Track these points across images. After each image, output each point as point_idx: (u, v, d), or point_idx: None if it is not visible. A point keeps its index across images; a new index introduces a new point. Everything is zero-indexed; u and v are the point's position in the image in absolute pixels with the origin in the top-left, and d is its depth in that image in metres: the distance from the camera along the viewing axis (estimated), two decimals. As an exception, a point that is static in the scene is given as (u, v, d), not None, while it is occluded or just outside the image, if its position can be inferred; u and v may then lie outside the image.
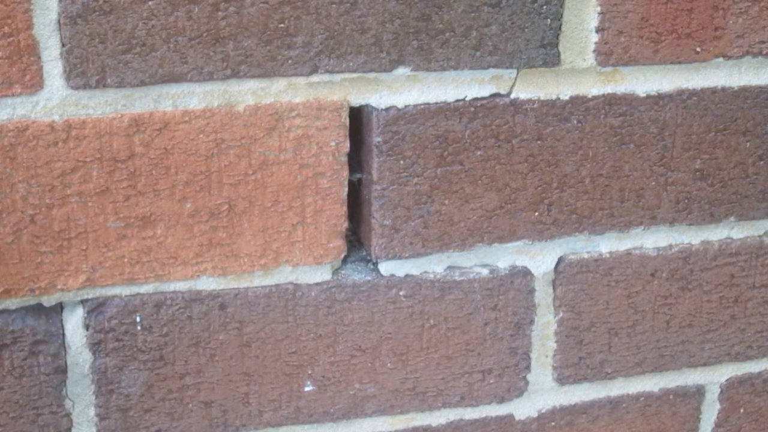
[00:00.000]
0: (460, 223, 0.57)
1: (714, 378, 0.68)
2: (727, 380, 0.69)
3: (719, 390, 0.69)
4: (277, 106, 0.52)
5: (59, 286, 0.52)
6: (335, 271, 0.57)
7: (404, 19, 0.52)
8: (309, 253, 0.55)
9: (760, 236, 0.65)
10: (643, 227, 0.61)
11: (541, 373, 0.63)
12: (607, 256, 0.62)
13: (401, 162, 0.55)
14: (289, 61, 0.51)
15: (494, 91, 0.55)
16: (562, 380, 0.64)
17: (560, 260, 0.61)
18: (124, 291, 0.54)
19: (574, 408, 0.66)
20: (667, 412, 0.68)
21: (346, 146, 0.54)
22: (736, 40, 0.58)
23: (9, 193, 0.50)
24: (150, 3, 0.48)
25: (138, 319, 0.54)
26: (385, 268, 0.58)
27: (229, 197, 0.53)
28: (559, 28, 0.55)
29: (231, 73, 0.51)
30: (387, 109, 0.54)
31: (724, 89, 0.60)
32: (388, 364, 0.60)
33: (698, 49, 0.58)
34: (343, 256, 0.56)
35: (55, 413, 0.55)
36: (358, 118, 0.55)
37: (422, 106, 0.54)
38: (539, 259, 0.61)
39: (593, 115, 0.58)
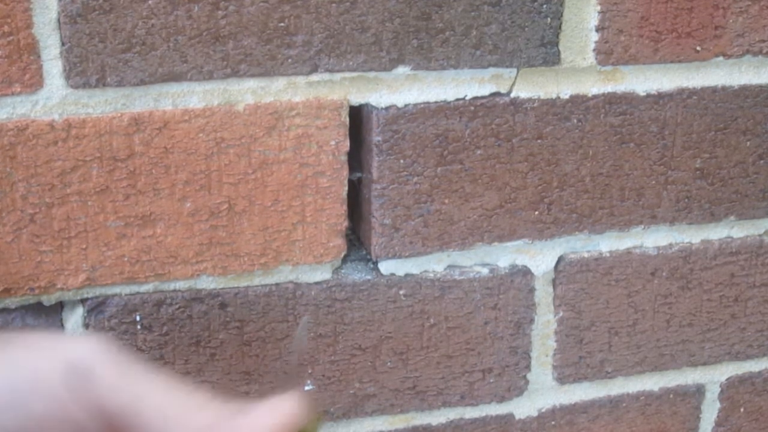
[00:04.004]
0: (460, 222, 0.57)
1: (714, 377, 0.68)
2: (727, 379, 0.69)
3: (719, 389, 0.69)
4: (277, 105, 0.52)
5: (59, 285, 0.52)
6: (335, 271, 0.57)
7: (404, 18, 0.52)
8: (309, 253, 0.55)
9: (760, 235, 0.65)
10: (643, 226, 0.61)
11: (541, 372, 0.63)
12: (607, 255, 0.62)
13: (401, 161, 0.55)
14: (289, 60, 0.51)
15: (494, 90, 0.55)
16: (562, 379, 0.64)
17: (560, 259, 0.61)
18: (124, 290, 0.54)
19: (574, 407, 0.66)
20: (667, 412, 0.68)
21: (346, 145, 0.54)
22: (736, 39, 0.58)
23: (9, 192, 0.50)
24: (150, 2, 0.48)
25: (138, 318, 0.54)
26: (385, 267, 0.58)
27: (228, 196, 0.53)
28: (559, 27, 0.55)
29: (231, 72, 0.51)
30: (387, 108, 0.54)
31: (724, 88, 0.60)
32: (388, 364, 0.60)
33: (698, 48, 0.58)
34: (343, 255, 0.56)
35: (55, 412, 0.55)
36: (357, 117, 0.55)
37: (422, 105, 0.54)
38: (539, 258, 0.61)
39: (593, 114, 0.58)
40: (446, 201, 0.57)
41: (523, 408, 0.64)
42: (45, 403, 0.36)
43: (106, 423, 0.37)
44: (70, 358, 0.37)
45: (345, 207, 0.55)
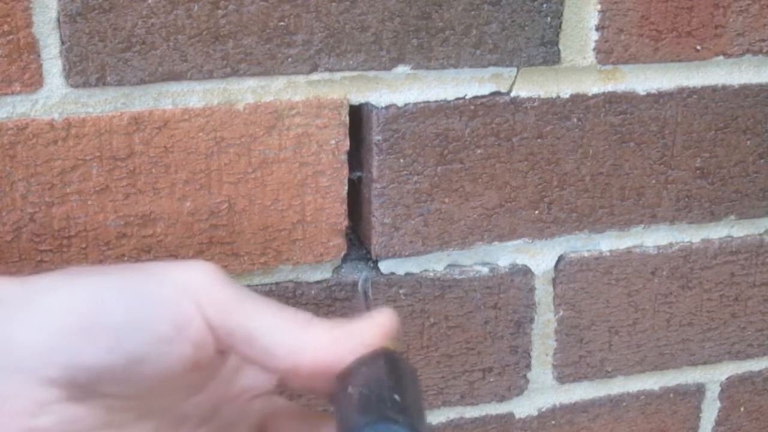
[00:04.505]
0: (460, 221, 0.57)
1: (714, 376, 0.68)
2: (727, 379, 0.69)
3: (719, 388, 0.69)
4: (277, 105, 0.52)
5: (59, 285, 0.52)
6: (335, 270, 0.57)
7: (404, 17, 0.52)
8: (309, 252, 0.55)
9: (760, 234, 0.65)
10: (643, 226, 0.61)
11: (542, 371, 0.63)
12: (608, 254, 0.62)
13: (401, 160, 0.55)
14: (289, 60, 0.51)
15: (494, 89, 0.55)
16: (562, 379, 0.64)
17: (560, 258, 0.61)
18: (124, 289, 0.54)
19: (575, 406, 0.66)
20: (668, 411, 0.68)
21: (346, 144, 0.54)
22: (736, 39, 0.58)
23: (8, 192, 0.50)
24: (149, 1, 0.48)
25: (138, 317, 0.54)
26: (385, 266, 0.58)
27: (228, 196, 0.53)
28: (559, 27, 0.55)
29: (231, 71, 0.51)
30: (387, 108, 0.54)
31: (724, 87, 0.60)
32: (388, 363, 0.60)
33: (698, 48, 0.58)
34: (343, 254, 0.56)
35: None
36: (357, 116, 0.55)
37: (422, 105, 0.54)
38: (539, 257, 0.61)
39: (593, 113, 0.57)
40: (446, 200, 0.57)
41: (523, 407, 0.64)
42: (168, 324, 0.37)
43: (219, 342, 0.38)
44: (185, 281, 0.38)
45: (345, 206, 0.55)
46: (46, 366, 0.36)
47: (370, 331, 0.39)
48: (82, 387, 0.36)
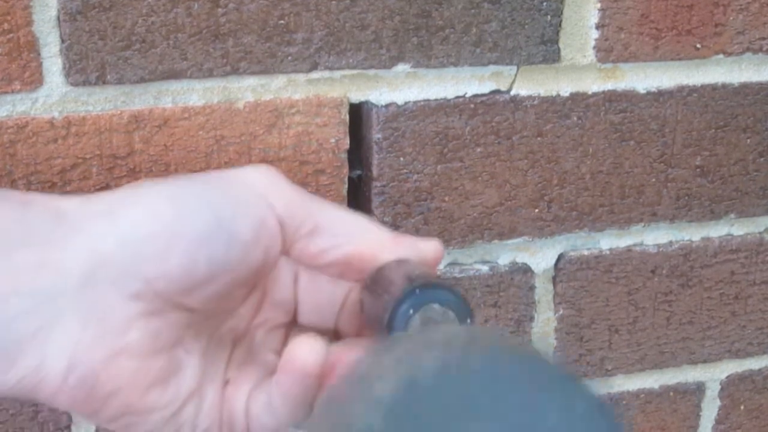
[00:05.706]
0: (460, 220, 0.57)
1: (714, 375, 0.68)
2: (727, 377, 0.69)
3: (719, 387, 0.69)
4: (277, 103, 0.52)
5: (59, 283, 0.52)
6: (335, 268, 0.57)
7: (404, 15, 0.52)
8: (309, 250, 0.55)
9: (760, 233, 0.65)
10: (643, 224, 0.61)
11: (542, 370, 0.63)
12: (608, 253, 0.62)
13: (401, 159, 0.55)
14: (289, 58, 0.51)
15: (494, 87, 0.55)
16: (562, 377, 0.64)
17: (560, 257, 0.61)
18: (124, 288, 0.54)
19: (575, 405, 0.65)
20: (668, 409, 0.68)
21: (346, 143, 0.54)
22: (736, 37, 0.58)
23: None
24: (149, -1, 0.48)
25: (138, 316, 0.54)
26: (385, 265, 0.58)
27: (229, 194, 0.53)
28: (559, 25, 0.55)
29: (231, 69, 0.51)
30: (387, 106, 0.54)
31: (724, 86, 0.60)
32: (388, 361, 0.59)
33: (698, 46, 0.58)
34: (343, 253, 0.56)
35: (54, 409, 0.55)
36: (357, 114, 0.55)
37: (422, 103, 0.54)
38: (539, 256, 0.61)
39: (593, 111, 0.57)
40: (446, 199, 0.57)
41: (523, 406, 0.64)
42: (248, 227, 0.38)
43: (285, 241, 0.39)
44: (255, 183, 0.39)
45: (345, 205, 0.55)
46: (135, 279, 0.35)
47: (426, 246, 0.41)
48: (162, 298, 0.36)
